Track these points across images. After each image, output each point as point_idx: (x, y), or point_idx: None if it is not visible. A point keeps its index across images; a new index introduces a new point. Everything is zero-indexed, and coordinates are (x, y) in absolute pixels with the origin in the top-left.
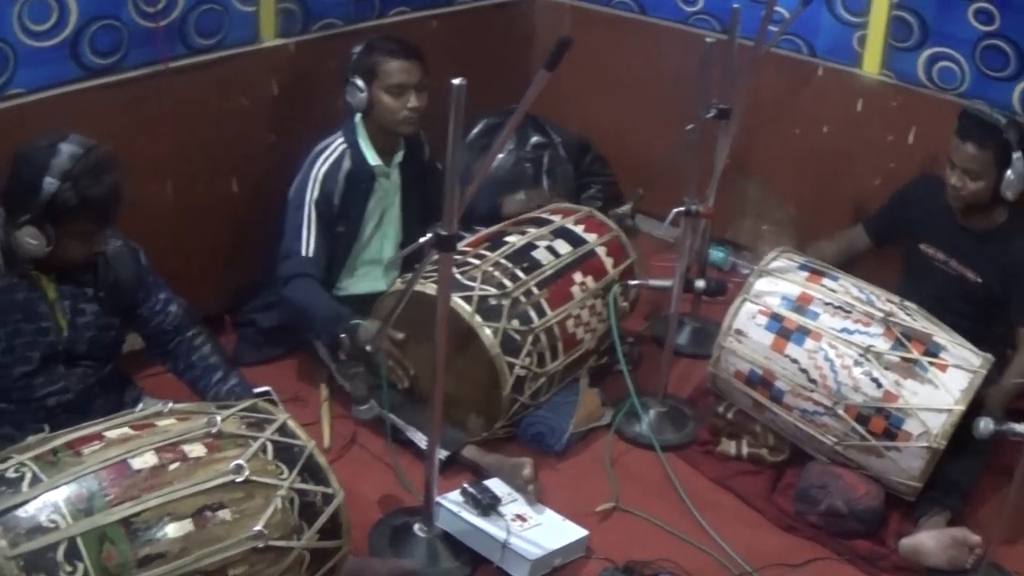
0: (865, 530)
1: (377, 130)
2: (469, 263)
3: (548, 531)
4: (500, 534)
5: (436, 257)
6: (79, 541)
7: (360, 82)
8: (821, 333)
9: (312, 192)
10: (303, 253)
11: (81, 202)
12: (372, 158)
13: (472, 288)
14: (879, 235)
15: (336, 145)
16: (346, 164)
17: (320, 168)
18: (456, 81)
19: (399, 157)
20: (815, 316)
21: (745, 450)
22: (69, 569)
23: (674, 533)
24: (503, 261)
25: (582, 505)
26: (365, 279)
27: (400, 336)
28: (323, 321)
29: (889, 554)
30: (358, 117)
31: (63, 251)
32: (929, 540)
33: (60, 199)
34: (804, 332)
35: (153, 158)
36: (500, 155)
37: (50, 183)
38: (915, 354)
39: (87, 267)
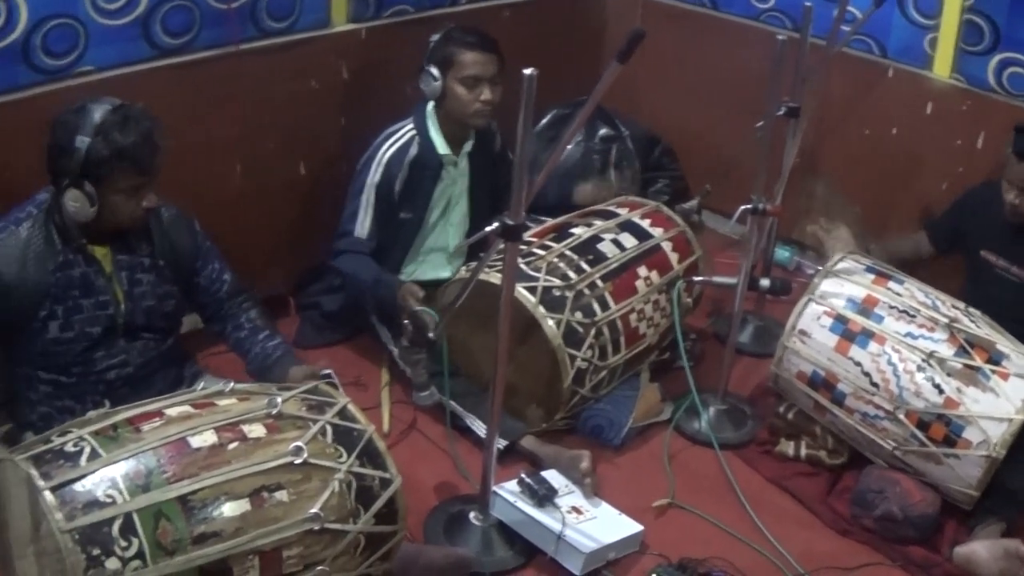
0: (919, 537)
1: (448, 119)
2: (534, 253)
3: (603, 525)
4: (555, 526)
5: (502, 246)
6: (135, 517)
7: (435, 71)
8: (885, 337)
9: (374, 175)
10: (356, 233)
11: (113, 153)
12: (441, 147)
13: (536, 279)
14: (941, 241)
15: (405, 131)
16: (413, 151)
17: (385, 152)
18: (527, 71)
19: (468, 147)
20: (880, 319)
21: (804, 451)
22: (124, 544)
23: (729, 532)
24: (568, 253)
25: (638, 500)
26: (430, 266)
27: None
28: (370, 286)
29: (942, 562)
30: (430, 105)
31: (110, 211)
32: (983, 550)
33: (93, 153)
34: (868, 335)
35: (222, 140)
36: (568, 146)
37: (82, 140)
38: (978, 361)
39: (142, 235)
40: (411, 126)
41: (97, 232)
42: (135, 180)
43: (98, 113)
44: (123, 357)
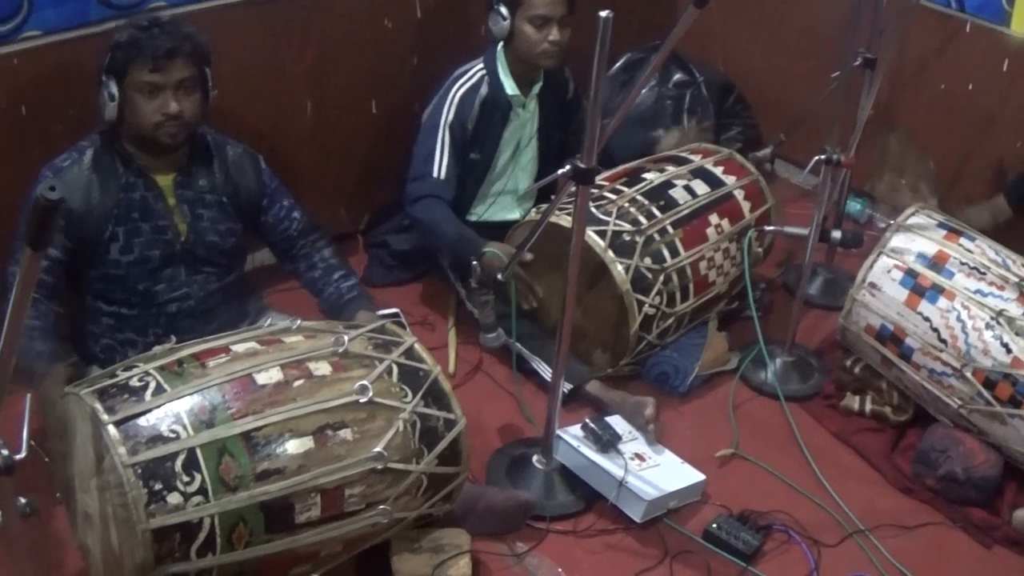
0: (981, 498)
1: (517, 60)
2: (605, 197)
3: (666, 473)
4: (618, 472)
5: (573, 189)
6: (198, 452)
7: (504, 10)
8: (955, 293)
9: (447, 115)
10: (435, 175)
11: (129, 40)
12: (510, 87)
13: (607, 223)
14: (1017, 199)
15: (475, 71)
16: (483, 90)
17: (457, 92)
18: (603, 13)
19: (537, 89)
20: (950, 275)
21: (869, 407)
22: (186, 479)
23: (791, 485)
24: (639, 198)
25: (701, 449)
26: (498, 207)
27: (528, 257)
28: (451, 243)
29: (1002, 525)
30: (500, 45)
31: (131, 112)
32: None
33: (117, 42)
34: (938, 291)
35: (295, 77)
36: (642, 91)
37: (118, 32)
38: None
39: (206, 170)
40: (481, 66)
41: (148, 153)
42: (148, 76)
43: (146, 17)
44: (185, 290)
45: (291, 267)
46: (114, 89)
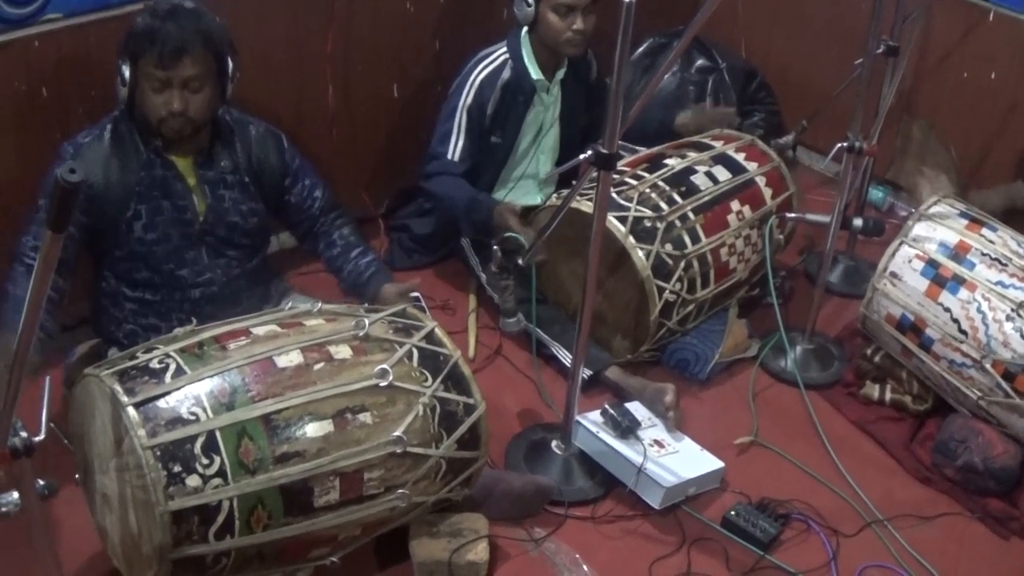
0: (1000, 489)
1: (541, 45)
2: (626, 183)
3: (685, 459)
4: (636, 458)
5: (594, 175)
6: (218, 435)
7: None
8: (976, 284)
9: (466, 98)
10: (448, 156)
11: (142, 31)
12: (534, 72)
13: (628, 208)
14: None
15: (498, 54)
16: (505, 74)
17: (478, 75)
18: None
19: (561, 75)
20: (971, 266)
21: (888, 396)
22: (206, 462)
23: (810, 473)
24: (661, 183)
25: (721, 436)
26: (520, 192)
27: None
28: (464, 206)
29: (1021, 516)
30: (524, 30)
31: (140, 100)
32: None
33: (133, 27)
34: (959, 281)
35: (318, 60)
36: (665, 76)
37: (139, 15)
38: None
39: (227, 150)
40: (504, 50)
41: (174, 142)
42: (156, 71)
43: (169, 2)
44: (208, 275)
45: (311, 246)
46: (127, 74)
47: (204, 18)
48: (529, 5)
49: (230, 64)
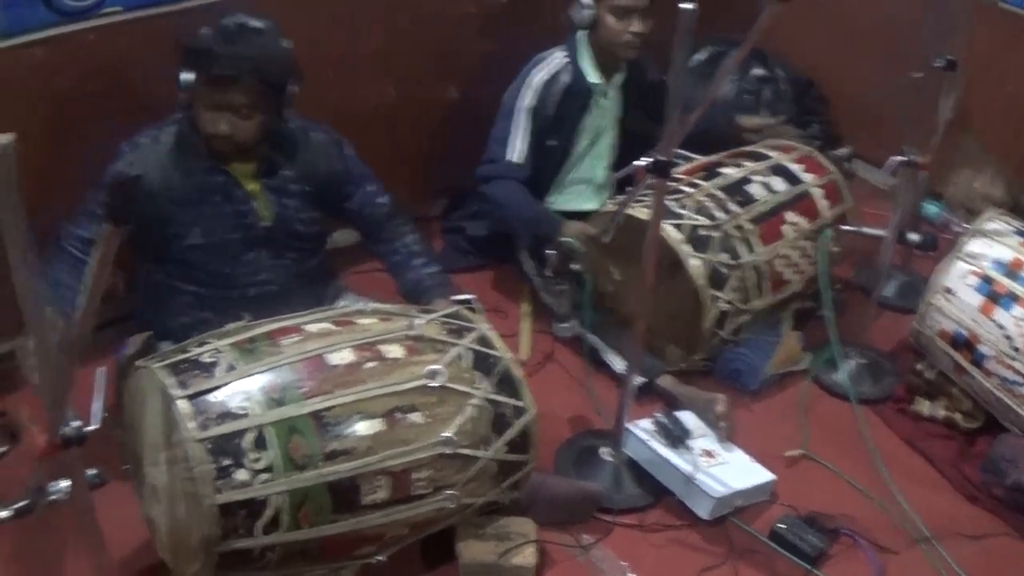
0: None
1: (600, 49)
2: (682, 191)
3: (735, 470)
4: (686, 468)
5: (650, 182)
6: (268, 430)
7: None
8: None
9: (527, 100)
10: (509, 158)
11: (201, 48)
12: (592, 76)
13: (683, 217)
14: None
15: (557, 58)
16: (564, 78)
17: (537, 77)
18: (686, 6)
19: (619, 79)
20: None
21: (940, 412)
22: (255, 456)
23: (858, 488)
24: (717, 192)
25: (771, 448)
26: (575, 196)
27: (605, 238)
28: (528, 221)
29: None
30: (581, 33)
31: (196, 112)
32: None
33: (197, 39)
34: (1013, 298)
35: (378, 56)
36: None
37: (205, 29)
38: None
39: (288, 158)
40: (563, 53)
41: (233, 149)
42: (211, 89)
43: (237, 18)
44: (266, 275)
45: (374, 249)
46: (186, 82)
47: (267, 43)
48: (588, 7)
49: (288, 88)
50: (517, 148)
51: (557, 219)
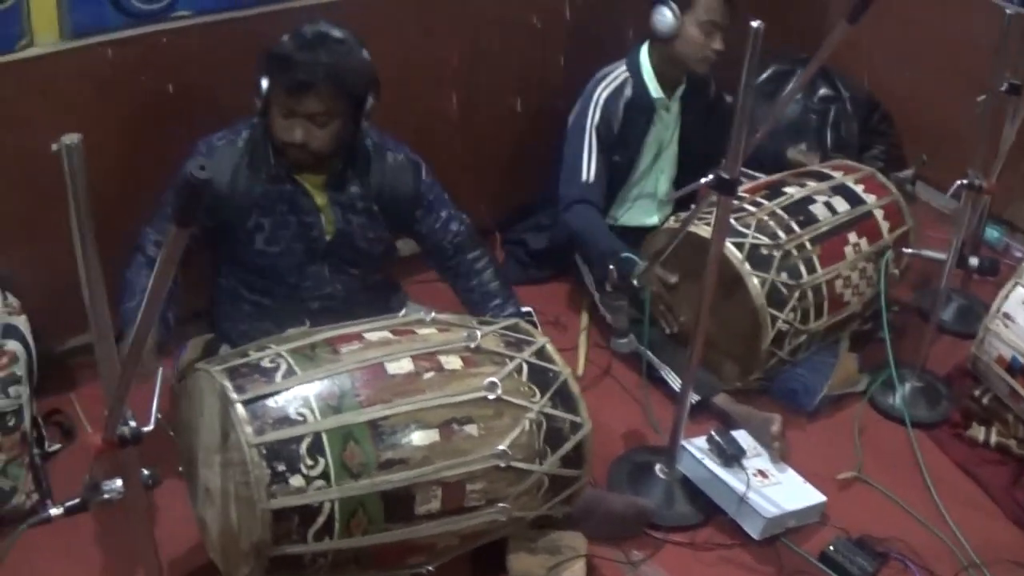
0: None
1: (665, 62)
2: (745, 209)
3: (787, 491)
4: (739, 487)
5: (714, 199)
6: (324, 437)
7: (675, 7)
8: None
9: (593, 117)
10: (583, 178)
11: (279, 55)
12: (655, 90)
13: (745, 235)
14: None
15: (618, 73)
16: (627, 92)
17: (601, 94)
18: (755, 23)
19: (680, 92)
20: None
21: (994, 438)
22: (310, 463)
23: (910, 512)
24: (779, 211)
25: (824, 469)
26: (637, 211)
27: (673, 279)
28: (600, 253)
29: None
30: (645, 46)
31: (270, 119)
32: None
33: (275, 47)
34: None
35: (442, 68)
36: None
37: (285, 34)
38: None
39: (359, 176)
40: (624, 68)
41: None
42: (283, 98)
43: (318, 26)
44: (329, 290)
45: (444, 275)
46: (263, 87)
47: (347, 53)
48: (674, 17)
49: (368, 99)
50: (591, 168)
51: (633, 260)
